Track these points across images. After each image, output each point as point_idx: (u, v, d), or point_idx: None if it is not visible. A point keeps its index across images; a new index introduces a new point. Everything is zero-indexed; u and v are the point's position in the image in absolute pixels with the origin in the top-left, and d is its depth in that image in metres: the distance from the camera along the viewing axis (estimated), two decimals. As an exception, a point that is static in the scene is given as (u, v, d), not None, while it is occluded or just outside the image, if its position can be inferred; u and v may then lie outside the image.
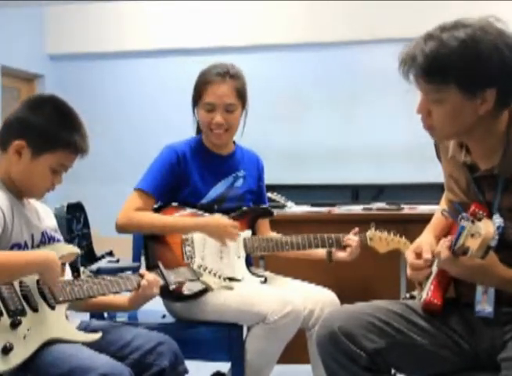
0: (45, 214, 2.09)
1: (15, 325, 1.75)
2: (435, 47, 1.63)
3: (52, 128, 1.91)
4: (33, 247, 1.95)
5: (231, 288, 2.28)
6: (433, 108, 1.70)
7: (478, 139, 1.74)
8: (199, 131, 2.65)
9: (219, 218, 2.49)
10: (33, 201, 2.06)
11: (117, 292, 2.02)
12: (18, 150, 1.90)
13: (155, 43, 6.83)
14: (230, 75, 2.52)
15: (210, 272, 2.27)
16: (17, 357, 1.72)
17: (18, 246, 1.89)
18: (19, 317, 1.77)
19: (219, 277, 2.27)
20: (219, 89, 2.49)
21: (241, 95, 2.54)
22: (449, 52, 1.62)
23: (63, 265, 2.04)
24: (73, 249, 2.06)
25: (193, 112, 2.59)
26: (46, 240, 2.02)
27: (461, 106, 1.66)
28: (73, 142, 1.93)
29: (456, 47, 1.62)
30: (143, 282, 2.04)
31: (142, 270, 2.16)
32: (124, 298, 2.12)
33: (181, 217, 2.52)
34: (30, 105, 1.97)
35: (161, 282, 2.11)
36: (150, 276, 2.07)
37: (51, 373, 1.75)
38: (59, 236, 2.09)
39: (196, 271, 2.25)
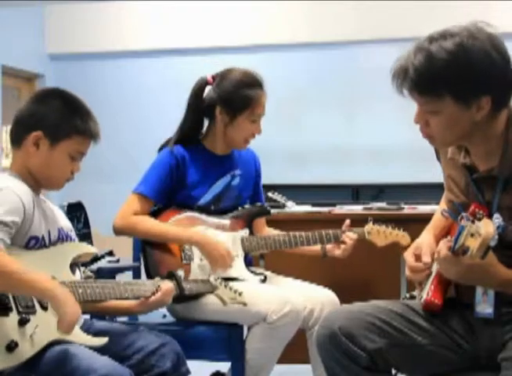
0: (58, 213, 2.10)
1: (23, 323, 1.75)
2: (425, 60, 1.63)
3: (65, 116, 1.96)
4: (50, 242, 1.96)
5: (245, 304, 2.26)
6: (430, 118, 1.70)
7: (477, 143, 1.74)
8: (185, 139, 2.59)
9: (217, 243, 2.45)
10: (47, 201, 2.07)
11: (129, 298, 2.03)
12: (36, 141, 1.94)
13: (156, 43, 6.82)
14: (263, 84, 2.56)
15: (226, 286, 2.25)
16: (20, 356, 1.73)
17: (35, 239, 1.90)
18: (28, 315, 1.77)
19: (235, 292, 2.25)
20: (264, 100, 2.54)
21: None
22: (439, 65, 1.62)
23: (76, 265, 2.04)
24: (91, 249, 2.08)
25: (229, 120, 2.51)
26: (64, 237, 2.04)
27: (457, 115, 1.66)
28: (87, 126, 1.98)
29: (445, 59, 1.61)
30: (164, 289, 2.05)
31: (158, 279, 2.16)
32: (131, 301, 2.10)
33: (178, 228, 2.49)
34: (37, 99, 2.02)
35: (175, 292, 2.12)
36: (170, 284, 2.09)
37: (52, 372, 1.76)
38: (74, 236, 2.11)
39: (213, 284, 2.24)
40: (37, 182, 1.98)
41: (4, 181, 1.89)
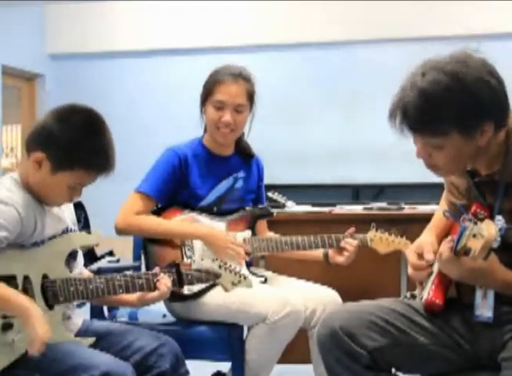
0: (66, 213, 2.06)
1: (6, 327, 1.75)
2: (423, 99, 1.60)
3: (74, 147, 1.85)
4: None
5: (250, 286, 2.18)
6: (433, 152, 1.69)
7: (480, 158, 1.74)
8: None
9: (221, 234, 2.46)
10: None
11: (123, 293, 1.98)
12: (38, 161, 1.86)
13: (155, 43, 6.82)
14: (243, 77, 2.53)
15: (231, 271, 2.15)
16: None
17: (33, 244, 1.88)
18: (12, 319, 1.76)
19: (240, 276, 2.15)
20: (231, 89, 2.50)
21: (251, 98, 2.56)
22: (438, 103, 1.60)
23: (76, 253, 2.02)
24: (91, 240, 2.02)
25: (201, 110, 2.59)
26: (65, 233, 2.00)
27: (462, 146, 1.66)
28: (95, 163, 1.88)
29: (443, 95, 1.59)
30: (162, 290, 1.98)
31: (157, 270, 2.05)
32: (130, 296, 2.06)
33: (181, 223, 2.50)
34: (59, 115, 1.90)
35: (175, 287, 2.04)
36: (169, 283, 2.00)
37: (53, 370, 1.76)
38: (76, 229, 2.09)
39: (216, 272, 2.11)
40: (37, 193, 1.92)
41: (4, 192, 1.84)
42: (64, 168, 1.86)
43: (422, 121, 1.63)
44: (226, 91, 2.49)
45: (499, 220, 1.65)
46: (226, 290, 2.15)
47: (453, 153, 1.67)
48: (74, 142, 1.85)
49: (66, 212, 2.07)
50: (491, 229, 1.55)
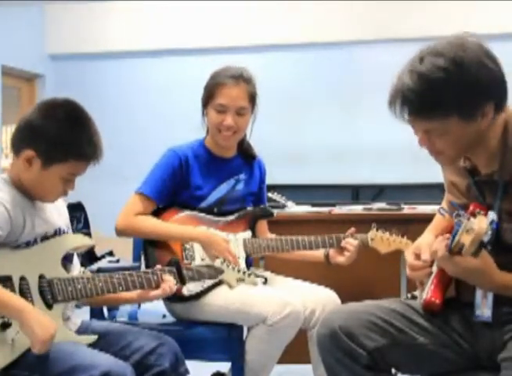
0: (58, 213, 2.05)
1: (4, 326, 1.74)
2: (422, 83, 1.60)
3: (64, 139, 1.87)
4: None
5: (255, 284, 2.20)
6: (435, 139, 1.69)
7: (477, 150, 1.74)
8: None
9: (219, 240, 2.44)
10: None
11: (123, 291, 1.97)
12: (28, 159, 1.87)
13: (155, 43, 6.82)
14: (244, 79, 2.51)
15: (233, 268, 2.15)
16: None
17: (27, 243, 1.88)
18: (9, 318, 1.75)
19: (244, 273, 2.15)
20: (233, 92, 2.48)
21: (252, 99, 2.54)
22: (438, 85, 1.59)
23: (71, 255, 2.02)
24: (87, 241, 2.03)
25: (202, 113, 2.58)
26: (59, 234, 2.00)
27: (464, 130, 1.65)
28: (85, 152, 1.90)
29: (442, 77, 1.59)
30: (166, 287, 1.98)
31: (159, 267, 2.05)
32: (131, 293, 2.05)
33: (180, 226, 2.49)
34: (43, 111, 1.91)
35: (177, 283, 2.04)
36: (171, 281, 2.01)
37: (52, 370, 1.75)
38: (70, 231, 2.08)
39: (218, 268, 2.11)
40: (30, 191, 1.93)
41: None
42: (57, 162, 1.87)
43: (422, 106, 1.62)
44: (227, 94, 2.48)
45: (492, 214, 1.65)
46: (231, 286, 2.14)
47: (455, 138, 1.66)
48: (64, 135, 1.87)
49: (59, 214, 2.06)
50: (482, 223, 1.55)
